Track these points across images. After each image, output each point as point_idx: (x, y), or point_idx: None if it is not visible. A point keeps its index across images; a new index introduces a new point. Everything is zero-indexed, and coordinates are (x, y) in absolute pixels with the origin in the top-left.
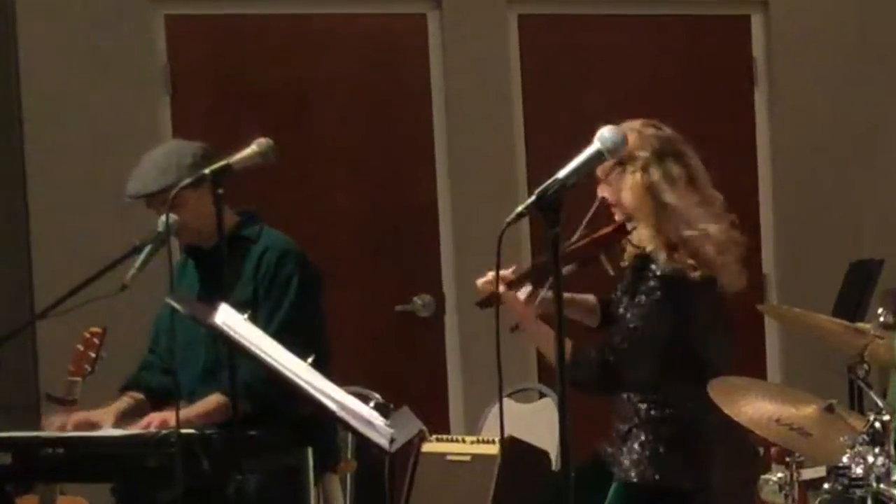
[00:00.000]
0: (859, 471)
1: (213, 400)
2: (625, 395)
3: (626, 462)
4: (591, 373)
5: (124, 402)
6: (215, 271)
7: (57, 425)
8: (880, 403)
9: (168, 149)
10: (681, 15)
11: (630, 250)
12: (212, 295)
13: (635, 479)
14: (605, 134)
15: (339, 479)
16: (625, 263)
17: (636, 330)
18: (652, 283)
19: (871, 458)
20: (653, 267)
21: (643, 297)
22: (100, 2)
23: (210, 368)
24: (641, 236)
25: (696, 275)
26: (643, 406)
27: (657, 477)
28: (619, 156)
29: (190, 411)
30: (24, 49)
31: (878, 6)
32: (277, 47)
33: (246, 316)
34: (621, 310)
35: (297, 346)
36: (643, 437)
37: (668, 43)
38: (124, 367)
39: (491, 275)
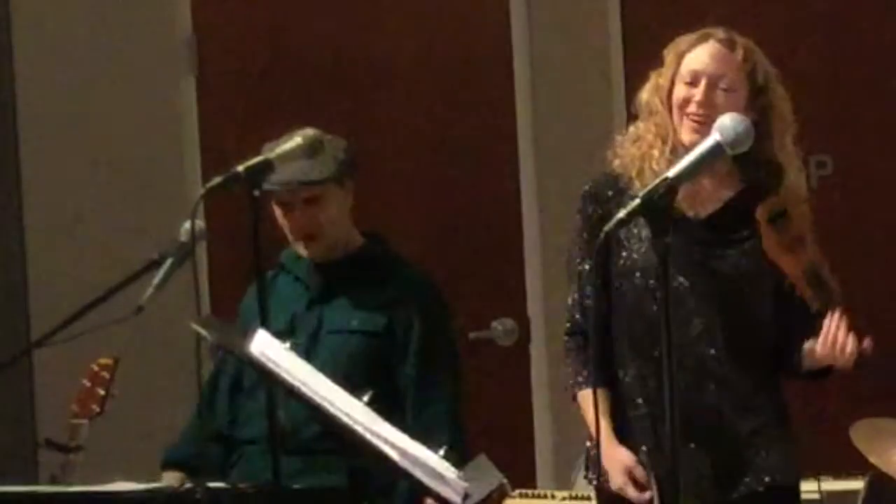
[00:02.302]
0: None
1: None
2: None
3: (772, 462)
4: None
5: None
6: (332, 289)
7: None
8: None
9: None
10: None
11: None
12: (316, 314)
13: (790, 480)
14: (725, 122)
15: None
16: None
17: None
18: None
19: None
20: None
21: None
22: None
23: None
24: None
25: None
26: (768, 389)
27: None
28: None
29: None
30: (19, 23)
31: None
32: (325, 16)
33: (289, 345)
34: None
35: (458, 394)
36: (776, 427)
37: (800, 12)
38: (140, 407)
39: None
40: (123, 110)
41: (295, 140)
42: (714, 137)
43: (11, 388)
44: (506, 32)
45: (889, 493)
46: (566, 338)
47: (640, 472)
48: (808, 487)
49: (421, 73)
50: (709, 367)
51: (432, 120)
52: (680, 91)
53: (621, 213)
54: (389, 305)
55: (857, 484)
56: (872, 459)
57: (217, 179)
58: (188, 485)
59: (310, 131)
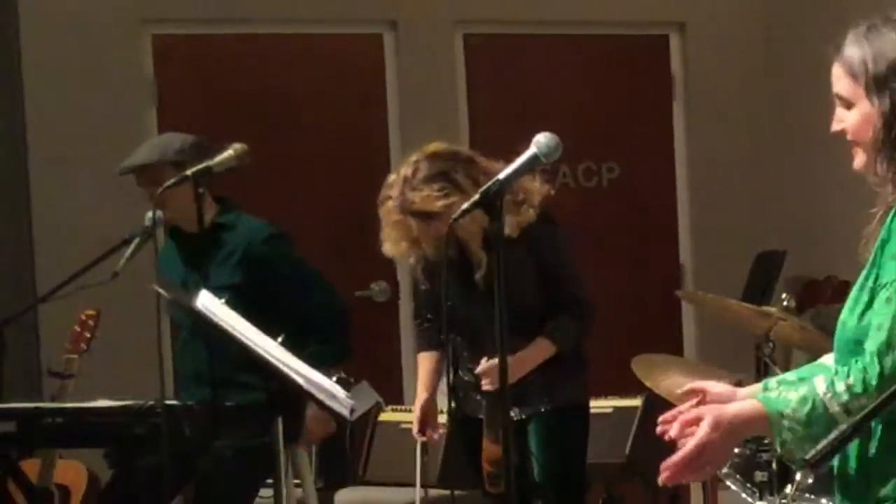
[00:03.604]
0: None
1: None
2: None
3: (559, 389)
4: (578, 333)
5: None
6: (196, 255)
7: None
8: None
9: (163, 135)
10: (607, 35)
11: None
12: (194, 275)
13: (577, 400)
14: (540, 140)
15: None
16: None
17: (575, 269)
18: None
19: None
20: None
21: (556, 246)
22: (94, 23)
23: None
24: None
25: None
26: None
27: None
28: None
29: None
30: (28, 66)
31: (784, 26)
32: (252, 64)
33: (224, 300)
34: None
35: (333, 308)
36: (563, 365)
37: (598, 61)
38: (115, 346)
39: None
40: (106, 132)
41: (228, 152)
42: (532, 150)
43: (22, 332)
44: (381, 76)
45: (658, 408)
46: (414, 321)
47: (431, 415)
48: (601, 404)
49: (318, 103)
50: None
51: (330, 138)
52: None
53: (465, 205)
54: (242, 258)
55: (637, 401)
56: (647, 384)
57: (172, 181)
58: (151, 402)
59: (238, 145)
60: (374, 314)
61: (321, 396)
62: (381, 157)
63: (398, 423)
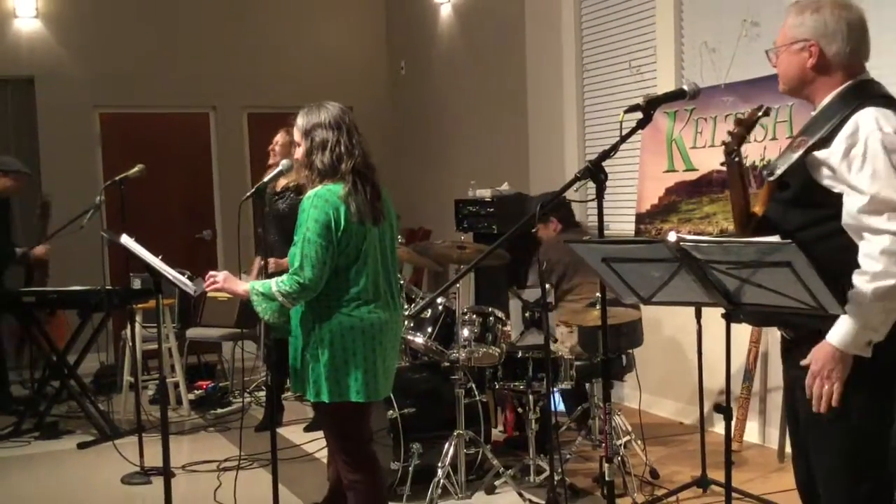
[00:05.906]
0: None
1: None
2: None
3: None
4: None
5: None
6: None
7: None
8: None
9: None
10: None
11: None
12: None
13: None
14: (283, 162)
15: (170, 308)
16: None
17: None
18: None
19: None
20: None
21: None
22: (70, 106)
23: None
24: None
25: None
26: None
27: None
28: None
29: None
30: (41, 126)
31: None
32: (145, 127)
33: (134, 238)
34: None
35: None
36: None
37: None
38: (83, 260)
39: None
40: (74, 159)
41: (135, 168)
42: (279, 168)
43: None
44: (208, 135)
45: None
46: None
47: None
48: None
49: (177, 148)
50: (277, 251)
51: (181, 172)
52: None
53: (249, 192)
54: None
55: None
56: None
57: (108, 182)
58: (99, 287)
59: (140, 165)
60: (204, 248)
61: (180, 284)
62: (206, 175)
63: (216, 297)
